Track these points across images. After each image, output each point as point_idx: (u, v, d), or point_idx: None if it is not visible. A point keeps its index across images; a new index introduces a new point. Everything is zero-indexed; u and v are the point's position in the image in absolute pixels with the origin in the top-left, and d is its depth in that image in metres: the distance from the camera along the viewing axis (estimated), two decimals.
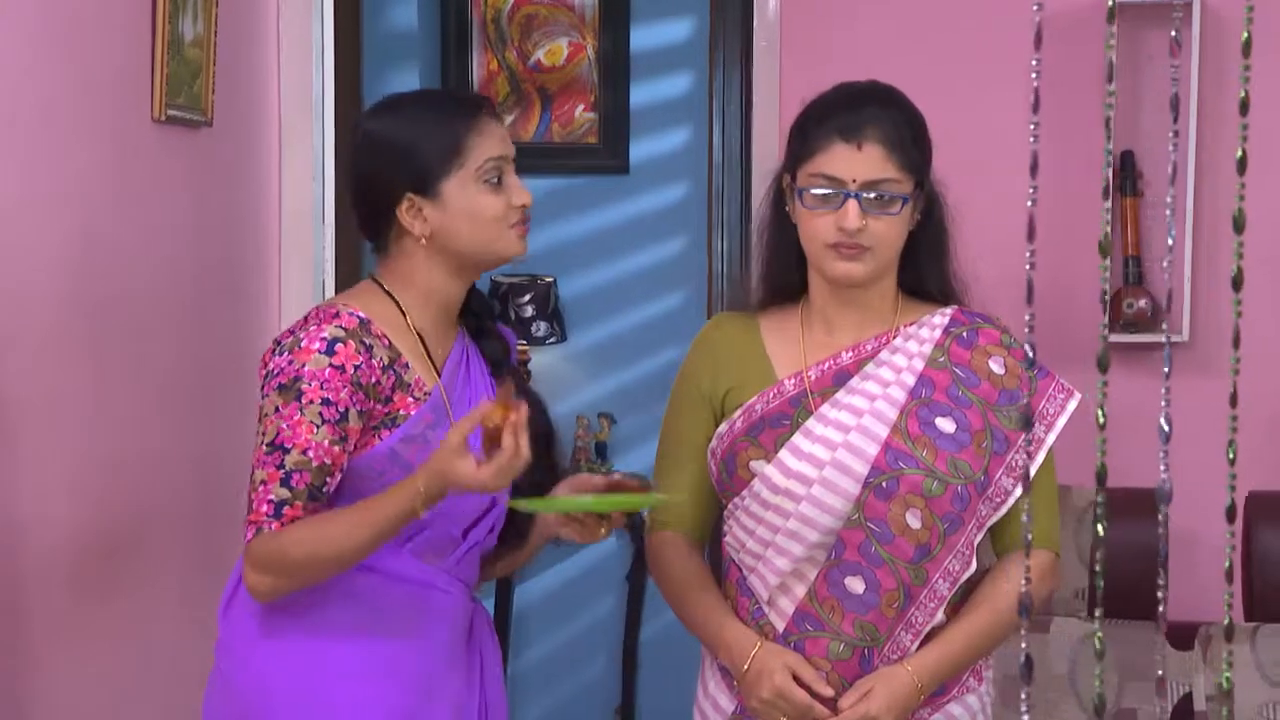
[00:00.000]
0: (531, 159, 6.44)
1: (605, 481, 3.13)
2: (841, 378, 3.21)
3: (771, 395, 3.22)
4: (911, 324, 3.23)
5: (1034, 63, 1.76)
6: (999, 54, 4.73)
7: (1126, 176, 4.62)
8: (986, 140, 4.65)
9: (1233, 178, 4.53)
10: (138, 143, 4.09)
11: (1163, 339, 4.55)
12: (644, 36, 6.56)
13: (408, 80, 6.58)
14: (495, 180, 3.10)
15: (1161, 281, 4.64)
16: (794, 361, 3.25)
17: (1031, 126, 1.75)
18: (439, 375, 3.13)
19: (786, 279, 3.28)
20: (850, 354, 3.22)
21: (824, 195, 3.11)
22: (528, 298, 6.41)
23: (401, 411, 3.05)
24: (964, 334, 3.21)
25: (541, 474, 3.18)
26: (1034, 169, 1.82)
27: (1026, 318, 1.83)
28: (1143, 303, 4.59)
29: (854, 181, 3.10)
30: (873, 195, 3.09)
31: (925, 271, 3.25)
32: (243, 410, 4.61)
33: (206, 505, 4.45)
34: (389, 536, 3.00)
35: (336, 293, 4.99)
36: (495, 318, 3.34)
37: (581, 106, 6.61)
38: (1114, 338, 4.59)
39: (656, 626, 6.50)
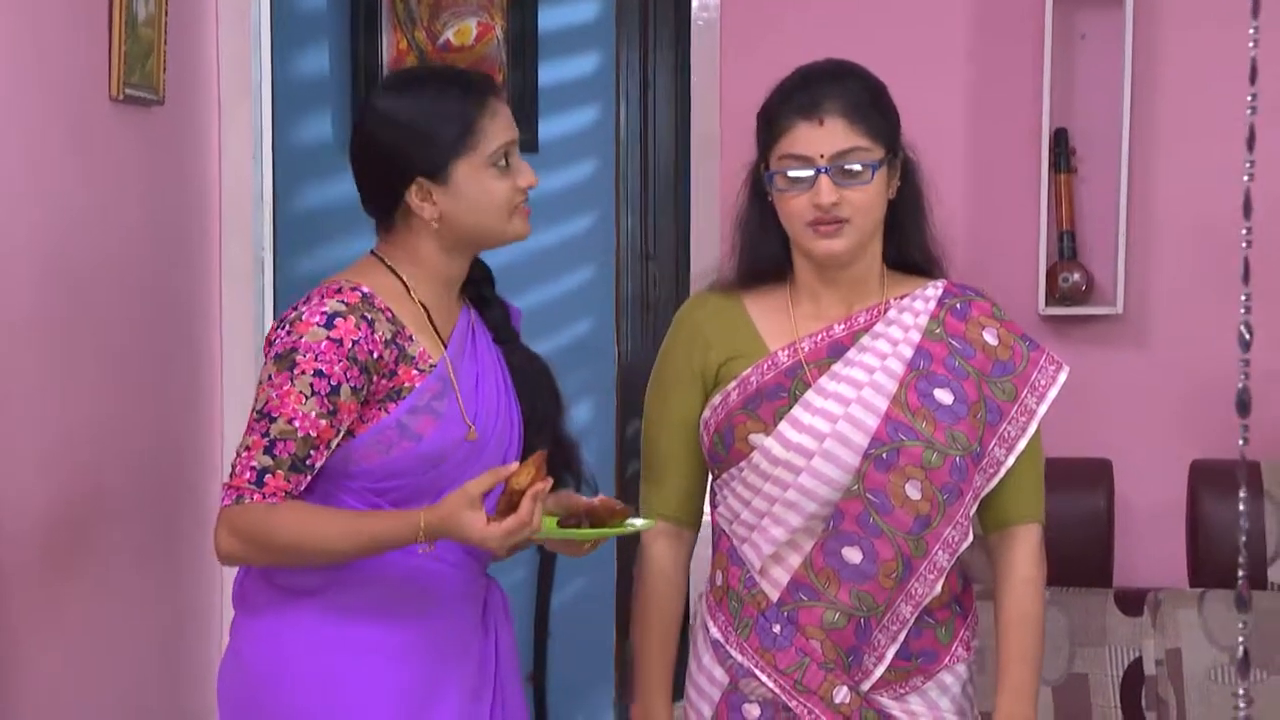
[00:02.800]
0: None
1: (588, 504, 3.04)
2: (836, 349, 3.13)
3: (765, 367, 3.14)
4: (904, 296, 3.16)
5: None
6: (937, 31, 4.64)
7: (1060, 153, 4.54)
8: (922, 116, 4.56)
9: (1166, 152, 4.53)
10: (98, 122, 3.94)
11: (1097, 311, 4.51)
12: (552, 16, 6.42)
13: (317, 60, 6.41)
14: (504, 164, 3.03)
15: (1095, 255, 4.58)
16: (784, 334, 3.17)
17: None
18: (444, 347, 3.05)
19: (771, 261, 3.20)
20: (843, 326, 3.14)
21: (795, 176, 3.05)
22: None
23: (406, 384, 2.98)
24: (957, 305, 3.15)
25: (548, 443, 3.13)
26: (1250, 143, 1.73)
27: (1243, 298, 1.72)
28: (1077, 277, 4.52)
29: (821, 157, 3.03)
30: (842, 167, 3.03)
31: (908, 239, 3.18)
32: (193, 387, 4.55)
33: (162, 482, 4.36)
34: (375, 554, 2.94)
35: (275, 275, 4.87)
36: (494, 284, 3.25)
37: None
38: (1049, 310, 4.52)
39: (567, 595, 6.40)
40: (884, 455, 3.05)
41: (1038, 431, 3.14)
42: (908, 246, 3.18)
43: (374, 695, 3.02)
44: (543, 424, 3.19)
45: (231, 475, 2.95)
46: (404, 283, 3.04)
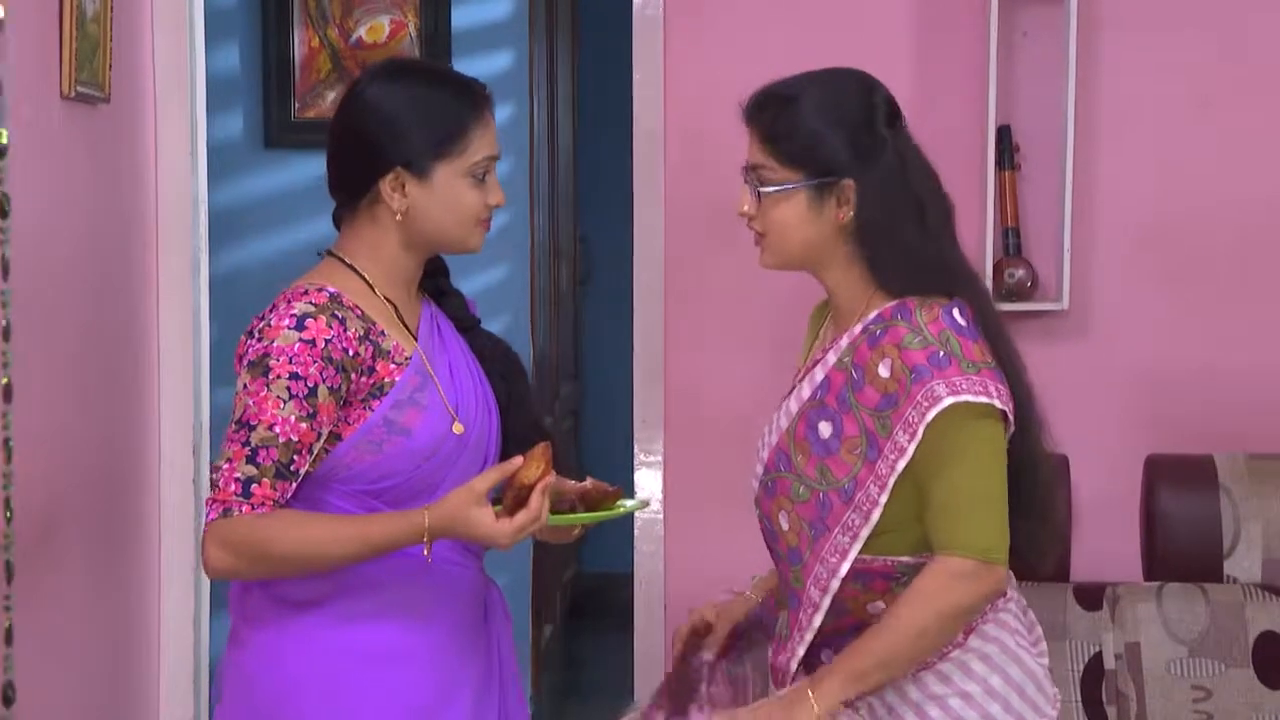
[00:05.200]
0: None
1: (580, 488, 2.95)
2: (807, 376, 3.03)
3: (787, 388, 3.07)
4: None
5: None
6: (881, 28, 4.52)
7: (1004, 150, 4.44)
8: None
9: (1108, 152, 4.44)
10: (50, 120, 3.73)
11: (1043, 307, 4.43)
12: (465, 14, 6.28)
13: (228, 58, 6.21)
14: (481, 177, 2.95)
15: (1039, 251, 4.48)
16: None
17: None
18: (415, 340, 2.97)
19: None
20: (824, 349, 3.01)
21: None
22: None
23: (387, 379, 2.90)
24: (877, 332, 2.89)
25: (524, 426, 3.06)
26: None
27: None
28: (1022, 272, 4.42)
29: (745, 164, 2.97)
30: (752, 180, 2.95)
31: (874, 263, 2.93)
32: (137, 392, 4.39)
33: (103, 487, 4.21)
34: (376, 557, 2.84)
35: (212, 273, 4.68)
36: (449, 276, 3.17)
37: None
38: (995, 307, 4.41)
39: None
40: (769, 483, 2.97)
41: (954, 459, 2.81)
42: (880, 273, 2.93)
43: (388, 704, 2.91)
44: (518, 407, 3.10)
45: (215, 489, 2.83)
46: (366, 281, 2.96)
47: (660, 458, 4.61)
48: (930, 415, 2.79)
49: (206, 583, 4.65)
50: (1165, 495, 4.07)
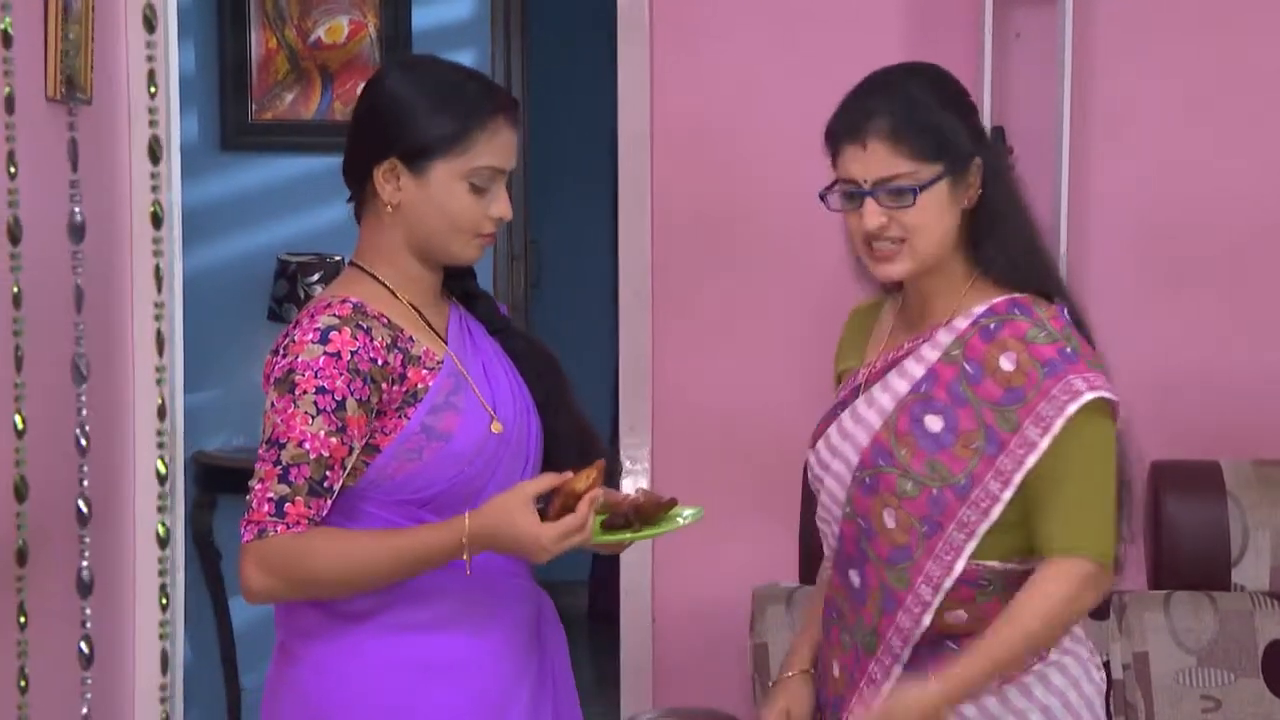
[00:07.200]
0: (313, 137, 6.00)
1: (632, 501, 2.85)
2: (892, 369, 2.92)
3: (848, 382, 2.98)
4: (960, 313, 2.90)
5: None
6: (873, 30, 4.43)
7: None
8: None
9: (1103, 153, 4.36)
10: (36, 123, 3.60)
11: None
12: (425, 14, 6.16)
13: (183, 58, 6.03)
14: (482, 186, 2.83)
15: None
16: (878, 346, 3.00)
17: None
18: (445, 344, 2.89)
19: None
20: (910, 343, 2.92)
21: (847, 197, 2.85)
22: (316, 277, 5.93)
23: (420, 385, 2.81)
24: (991, 325, 2.83)
25: (567, 426, 3.00)
26: None
27: None
28: None
29: (866, 181, 2.82)
30: (887, 192, 2.81)
31: (985, 250, 2.88)
32: (110, 404, 4.27)
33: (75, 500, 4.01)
34: (420, 571, 2.75)
35: (185, 279, 4.56)
36: (476, 277, 3.07)
37: (363, 84, 6.14)
38: None
39: None
40: (866, 480, 2.85)
41: (1086, 458, 2.79)
42: (987, 258, 2.89)
43: (446, 715, 2.84)
44: (558, 407, 3.02)
45: (249, 510, 2.74)
46: (388, 287, 2.87)
47: (647, 465, 4.50)
48: (1071, 409, 2.76)
49: (180, 596, 4.54)
50: (1171, 502, 4.00)
